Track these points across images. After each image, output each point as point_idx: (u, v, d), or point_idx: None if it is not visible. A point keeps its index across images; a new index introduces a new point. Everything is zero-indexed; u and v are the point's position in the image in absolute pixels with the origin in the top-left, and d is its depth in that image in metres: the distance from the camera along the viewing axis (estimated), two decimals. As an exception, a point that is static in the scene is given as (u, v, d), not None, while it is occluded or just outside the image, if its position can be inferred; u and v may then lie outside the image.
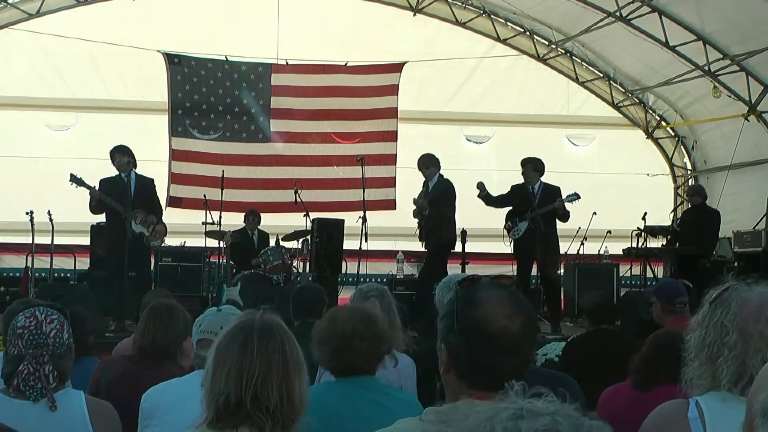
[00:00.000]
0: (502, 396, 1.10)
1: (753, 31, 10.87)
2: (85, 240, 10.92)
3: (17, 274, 10.91)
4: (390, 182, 12.63)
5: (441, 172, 9.73)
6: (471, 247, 9.98)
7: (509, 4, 12.70)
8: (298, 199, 10.54)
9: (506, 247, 9.68)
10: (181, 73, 12.61)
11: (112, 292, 8.45)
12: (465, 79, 13.65)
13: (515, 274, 9.55)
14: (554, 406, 1.04)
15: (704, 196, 11.03)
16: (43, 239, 10.02)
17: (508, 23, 13.68)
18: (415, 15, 13.49)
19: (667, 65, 12.50)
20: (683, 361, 2.18)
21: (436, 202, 9.44)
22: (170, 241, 10.11)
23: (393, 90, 13.06)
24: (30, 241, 9.87)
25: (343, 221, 10.69)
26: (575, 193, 9.30)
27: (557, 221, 9.36)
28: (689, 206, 11.60)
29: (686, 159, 14.65)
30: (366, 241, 9.78)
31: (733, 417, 1.64)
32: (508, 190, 9.64)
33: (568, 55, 13.83)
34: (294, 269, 10.58)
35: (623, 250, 11.77)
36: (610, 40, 12.81)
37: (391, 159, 12.74)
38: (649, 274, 11.31)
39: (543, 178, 9.47)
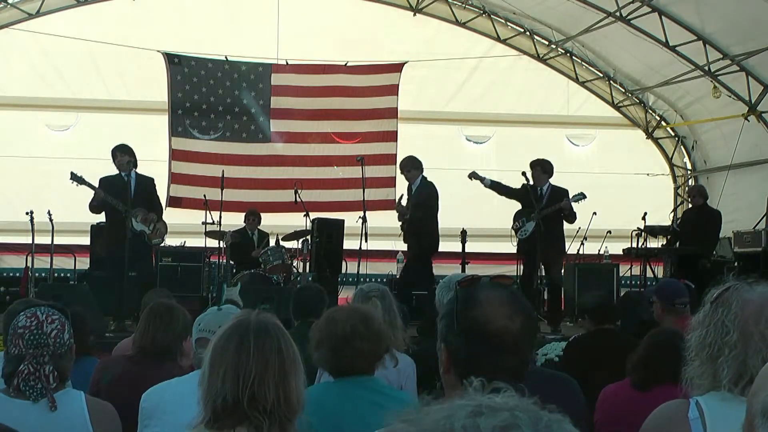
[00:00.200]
0: (463, 393, 1.10)
1: (753, 31, 10.86)
2: (85, 240, 10.91)
3: (17, 274, 10.92)
4: (390, 182, 12.61)
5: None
6: (471, 247, 9.97)
7: (509, 4, 12.70)
8: (298, 199, 10.54)
9: (512, 246, 9.69)
10: (181, 73, 12.61)
11: (112, 292, 8.45)
12: (465, 79, 13.65)
13: (520, 273, 9.58)
14: (513, 402, 1.04)
15: (705, 197, 11.02)
16: (43, 239, 10.02)
17: (508, 23, 13.68)
18: (415, 15, 13.50)
19: (667, 65, 12.50)
20: (682, 360, 2.18)
21: (420, 205, 9.45)
22: (170, 241, 10.12)
23: (393, 90, 13.07)
24: (30, 241, 9.88)
25: (343, 221, 10.69)
26: (581, 193, 9.31)
27: (564, 222, 9.38)
28: (690, 206, 11.60)
29: (686, 159, 14.65)
30: (366, 241, 9.78)
31: (733, 417, 1.64)
32: (518, 186, 9.59)
33: (568, 55, 13.83)
34: (294, 269, 10.58)
35: (623, 250, 11.77)
36: (610, 40, 12.81)
37: (391, 159, 12.72)
38: (649, 274, 11.29)
39: (544, 179, 9.48)
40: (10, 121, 12.68)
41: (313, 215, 10.53)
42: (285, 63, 12.88)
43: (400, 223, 9.72)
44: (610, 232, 12.09)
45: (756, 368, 1.97)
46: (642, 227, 11.41)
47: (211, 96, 12.73)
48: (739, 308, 2.08)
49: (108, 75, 12.74)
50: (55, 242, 10.06)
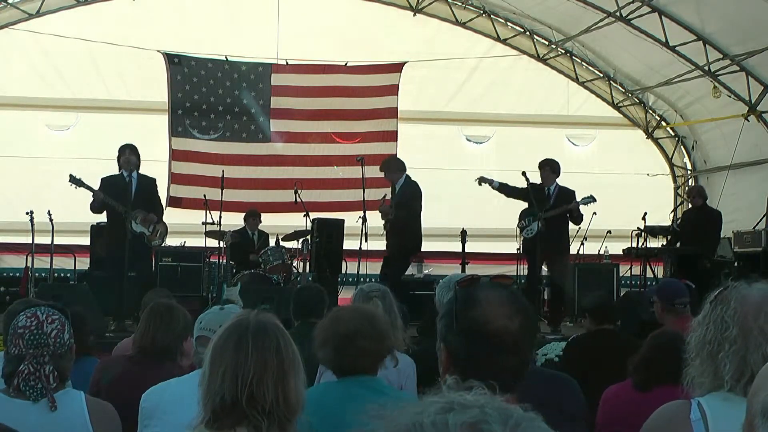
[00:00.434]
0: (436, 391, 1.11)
1: (753, 31, 10.86)
2: (85, 240, 10.92)
3: (17, 274, 10.92)
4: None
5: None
6: (471, 247, 9.97)
7: (509, 4, 12.70)
8: (298, 199, 10.54)
9: (513, 246, 9.67)
10: (181, 73, 12.61)
11: (112, 292, 8.45)
12: (465, 79, 13.65)
13: (525, 273, 9.56)
14: (484, 399, 1.05)
15: (705, 197, 11.02)
16: (43, 239, 10.02)
17: (508, 23, 13.69)
18: (415, 15, 13.50)
19: (667, 65, 12.50)
20: (683, 361, 2.18)
21: (402, 205, 9.44)
22: (170, 241, 10.10)
23: (393, 90, 13.07)
24: (30, 241, 9.87)
25: (343, 221, 10.69)
26: (591, 195, 9.32)
27: (569, 222, 9.39)
28: (690, 206, 11.59)
29: (686, 159, 14.66)
30: (366, 241, 9.77)
31: (735, 418, 1.63)
32: (525, 186, 9.56)
33: (568, 55, 13.84)
34: (294, 269, 10.58)
35: (623, 250, 11.77)
36: (610, 40, 12.81)
37: (391, 159, 12.72)
38: (649, 274, 11.29)
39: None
40: (10, 121, 12.69)
41: (313, 215, 10.53)
42: (285, 63, 12.88)
43: (383, 222, 9.70)
44: (610, 232, 12.09)
45: (756, 364, 1.97)
46: (642, 227, 11.41)
47: (211, 96, 12.73)
48: (738, 304, 2.08)
49: (108, 75, 12.74)
50: (55, 242, 10.06)
